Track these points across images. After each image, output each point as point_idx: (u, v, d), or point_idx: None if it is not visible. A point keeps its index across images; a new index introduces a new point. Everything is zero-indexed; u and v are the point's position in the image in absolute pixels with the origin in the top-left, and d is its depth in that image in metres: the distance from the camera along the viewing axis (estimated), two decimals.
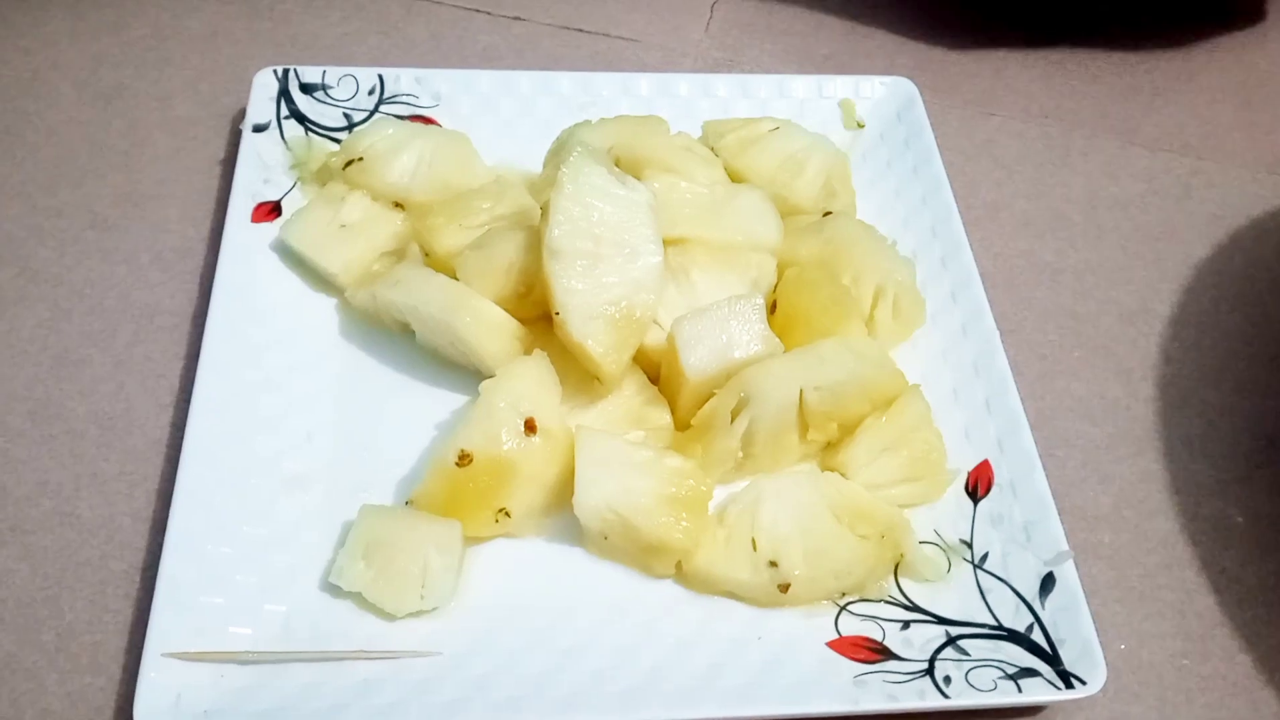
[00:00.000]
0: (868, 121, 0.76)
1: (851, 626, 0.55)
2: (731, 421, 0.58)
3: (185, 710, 0.49)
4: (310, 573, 0.55)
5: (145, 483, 0.58)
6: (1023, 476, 0.59)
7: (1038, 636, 0.54)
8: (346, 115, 0.72)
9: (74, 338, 0.63)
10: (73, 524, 0.57)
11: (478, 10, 0.83)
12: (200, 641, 0.51)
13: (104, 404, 0.61)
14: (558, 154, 0.66)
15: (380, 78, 0.73)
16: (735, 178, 0.69)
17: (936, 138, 0.73)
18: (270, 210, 0.66)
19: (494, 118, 0.73)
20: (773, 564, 0.55)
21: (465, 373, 0.61)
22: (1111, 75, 0.85)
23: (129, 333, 0.64)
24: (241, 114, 0.71)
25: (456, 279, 0.61)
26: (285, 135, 0.70)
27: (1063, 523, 0.57)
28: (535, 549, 0.57)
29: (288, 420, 0.59)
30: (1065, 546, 0.56)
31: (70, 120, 0.74)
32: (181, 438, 0.56)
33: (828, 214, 0.67)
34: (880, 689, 0.52)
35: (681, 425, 0.60)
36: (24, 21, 0.79)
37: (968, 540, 0.58)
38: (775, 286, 0.64)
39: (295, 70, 0.72)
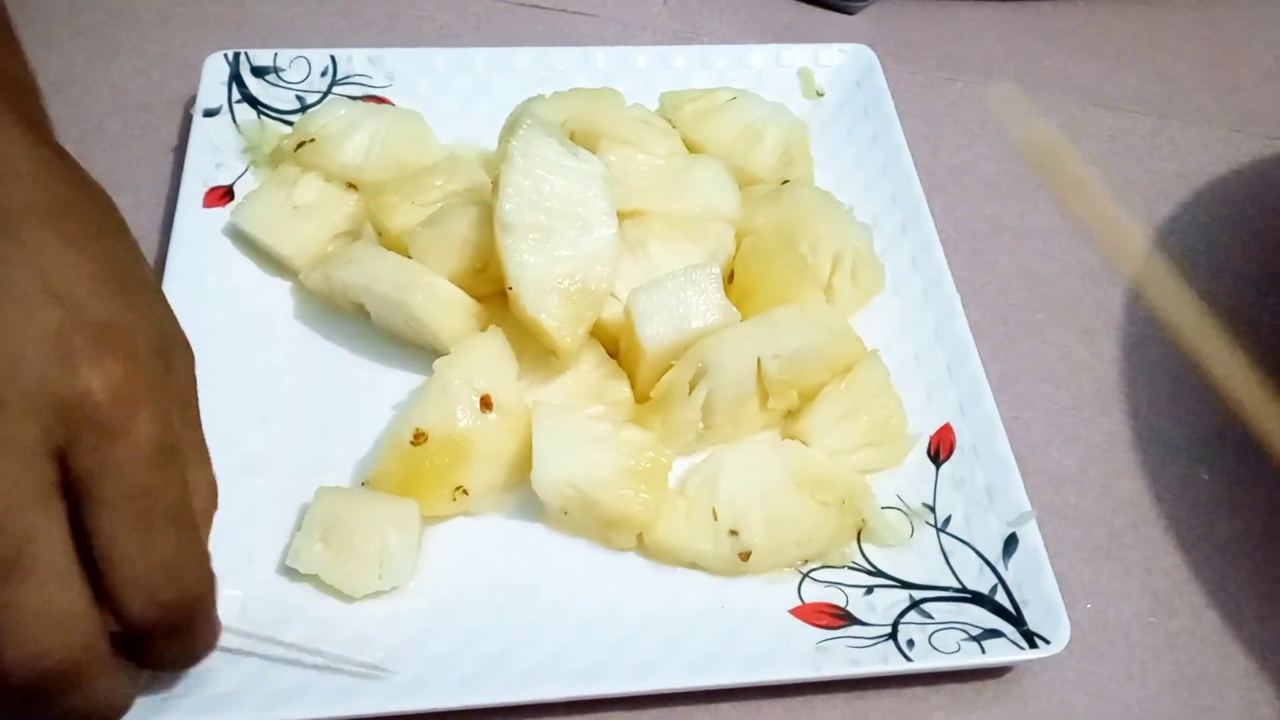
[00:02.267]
0: (827, 90, 0.75)
1: (814, 593, 0.55)
2: (690, 392, 0.57)
3: (142, 696, 0.48)
4: (267, 556, 0.54)
5: None
6: (984, 439, 0.59)
7: (1001, 598, 0.54)
8: (299, 98, 0.71)
9: None
10: None
11: None
12: None
13: None
14: (511, 129, 0.66)
15: (333, 59, 0.72)
16: (693, 149, 0.68)
17: (898, 104, 0.73)
18: (223, 195, 0.66)
19: (450, 96, 0.72)
20: (733, 533, 0.54)
21: (422, 352, 0.61)
22: (1073, 36, 0.85)
23: None
24: (193, 100, 0.70)
25: (410, 258, 0.60)
26: (237, 119, 0.69)
27: (1028, 485, 0.57)
28: (495, 526, 0.56)
29: (243, 403, 0.59)
30: (1027, 507, 0.56)
31: None
32: None
33: (785, 182, 0.67)
34: (843, 654, 0.52)
35: (641, 398, 0.60)
36: None
37: (930, 504, 0.58)
38: (734, 256, 0.64)
39: (246, 54, 0.71)
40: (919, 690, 0.53)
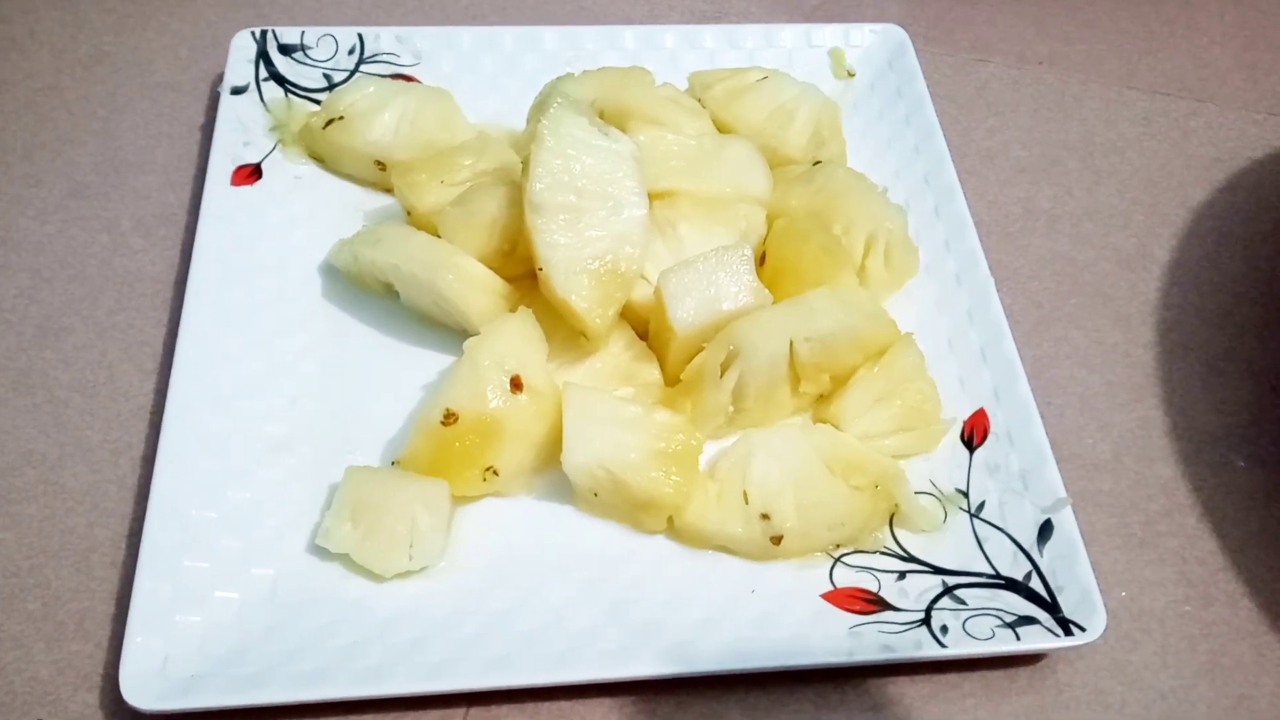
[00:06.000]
0: (858, 70, 0.74)
1: (846, 578, 0.54)
2: (721, 375, 0.57)
3: (171, 675, 0.48)
4: (297, 535, 0.54)
5: (129, 450, 0.58)
6: (1019, 424, 0.58)
7: (1036, 584, 0.53)
8: (326, 76, 0.70)
9: (56, 306, 0.62)
10: (57, 492, 0.56)
11: None
12: (186, 606, 0.50)
13: (87, 372, 0.60)
14: (540, 108, 0.65)
15: (360, 37, 0.72)
16: (723, 129, 0.68)
17: (929, 86, 0.72)
18: (250, 173, 0.65)
19: (477, 75, 0.72)
20: (765, 517, 0.54)
21: (450, 332, 0.60)
22: (1107, 19, 0.84)
23: (111, 300, 0.63)
24: (220, 78, 0.70)
25: (439, 237, 0.60)
26: (264, 97, 0.69)
27: (1062, 471, 0.56)
28: (524, 507, 0.56)
29: (271, 383, 0.58)
30: (1063, 493, 0.55)
31: (49, 87, 0.72)
32: (164, 403, 0.56)
33: (817, 163, 0.66)
34: (875, 640, 0.51)
35: (671, 380, 0.59)
36: None
37: (964, 490, 0.57)
38: (765, 238, 0.63)
39: (273, 31, 0.71)
40: (951, 677, 0.53)
